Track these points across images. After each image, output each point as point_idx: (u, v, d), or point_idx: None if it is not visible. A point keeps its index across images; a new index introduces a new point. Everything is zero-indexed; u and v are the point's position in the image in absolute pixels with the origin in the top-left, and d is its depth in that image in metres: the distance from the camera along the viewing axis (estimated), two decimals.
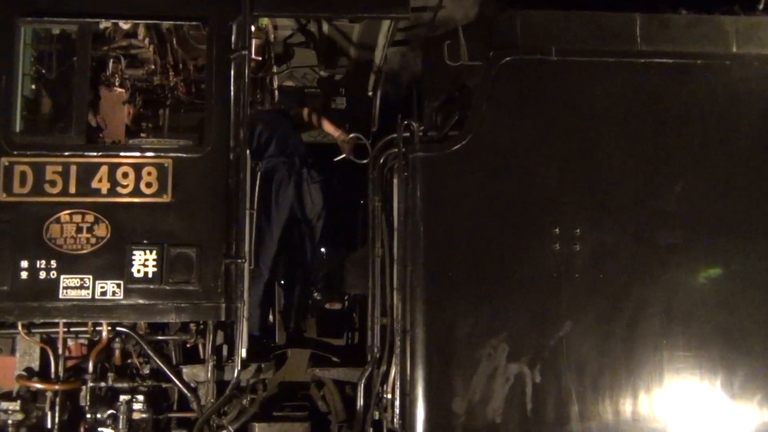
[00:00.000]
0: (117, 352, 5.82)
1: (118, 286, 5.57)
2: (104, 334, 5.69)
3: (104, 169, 5.67)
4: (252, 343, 5.91)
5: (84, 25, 5.80)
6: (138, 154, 5.74)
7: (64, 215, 5.60)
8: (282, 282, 7.30)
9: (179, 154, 5.74)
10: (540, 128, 5.74)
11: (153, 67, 7.09)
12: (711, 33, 5.89)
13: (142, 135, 7.16)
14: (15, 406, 5.60)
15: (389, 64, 7.16)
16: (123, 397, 5.72)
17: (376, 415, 5.96)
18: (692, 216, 5.69)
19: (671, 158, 5.75)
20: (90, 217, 5.61)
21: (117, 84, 6.88)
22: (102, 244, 5.59)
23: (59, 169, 5.64)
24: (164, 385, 5.91)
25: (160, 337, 5.91)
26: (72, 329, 5.72)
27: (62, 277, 5.53)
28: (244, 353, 5.63)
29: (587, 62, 5.80)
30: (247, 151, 5.74)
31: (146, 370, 5.88)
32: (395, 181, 5.86)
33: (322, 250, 7.82)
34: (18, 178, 5.61)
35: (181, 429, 5.96)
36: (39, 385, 5.68)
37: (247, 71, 5.77)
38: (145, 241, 5.61)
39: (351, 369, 6.39)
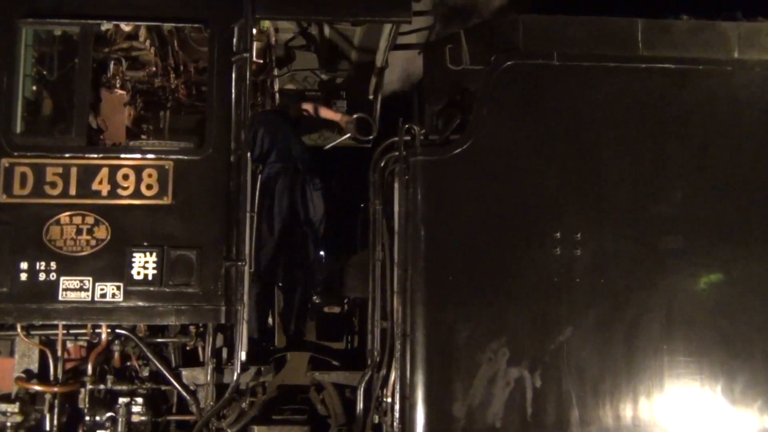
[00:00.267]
0: (116, 355, 5.80)
1: (118, 288, 5.55)
2: (104, 336, 5.67)
3: (105, 171, 5.66)
4: (251, 346, 5.91)
5: (85, 26, 5.79)
6: (139, 156, 5.73)
7: (64, 217, 5.58)
8: (282, 285, 7.29)
9: (180, 157, 5.73)
10: (541, 132, 5.74)
11: (154, 69, 7.11)
12: (712, 38, 5.90)
13: (143, 137, 7.17)
14: (14, 408, 5.60)
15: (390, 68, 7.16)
16: (122, 400, 5.70)
17: (376, 419, 5.95)
18: (693, 221, 5.70)
19: (672, 163, 5.75)
20: (90, 219, 5.60)
21: (118, 86, 6.90)
22: (102, 246, 5.57)
23: (60, 170, 5.63)
24: (163, 388, 5.89)
25: (159, 340, 5.88)
26: (71, 331, 5.71)
27: (62, 278, 5.52)
28: (243, 356, 5.61)
29: (589, 67, 5.81)
30: (248, 154, 5.74)
31: (145, 373, 5.86)
32: (396, 184, 5.85)
33: (322, 253, 7.82)
34: (18, 179, 5.60)
35: None
36: (38, 387, 5.66)
37: (248, 74, 5.77)
38: (145, 243, 5.59)
39: (351, 372, 6.36)
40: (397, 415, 5.65)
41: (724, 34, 5.92)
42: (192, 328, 5.84)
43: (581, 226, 5.63)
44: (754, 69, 5.88)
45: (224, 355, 5.99)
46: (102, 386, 5.73)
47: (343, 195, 7.85)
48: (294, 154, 7.16)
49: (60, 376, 5.68)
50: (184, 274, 5.59)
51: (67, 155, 5.66)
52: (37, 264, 5.52)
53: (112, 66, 6.80)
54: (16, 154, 5.62)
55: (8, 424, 5.60)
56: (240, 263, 5.60)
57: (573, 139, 5.75)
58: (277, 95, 8.26)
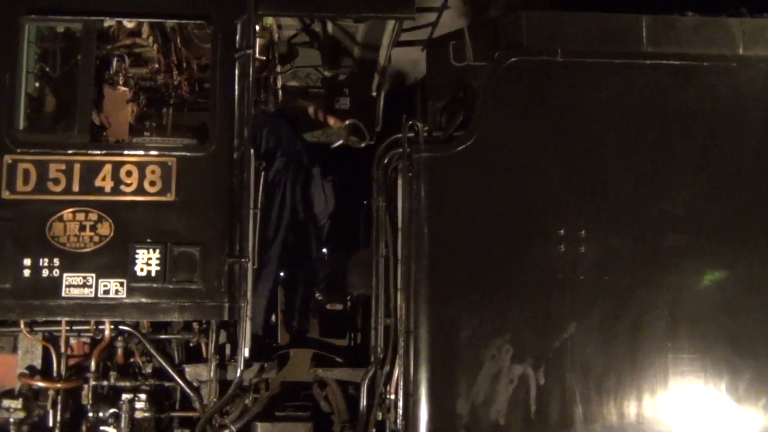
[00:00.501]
0: (119, 351, 5.80)
1: (121, 284, 5.55)
2: (107, 332, 5.67)
3: (108, 168, 5.65)
4: (254, 342, 5.91)
5: (88, 23, 5.77)
6: (142, 152, 5.72)
7: (67, 213, 5.58)
8: (284, 282, 7.29)
9: (183, 153, 5.72)
10: (545, 129, 5.73)
11: (157, 65, 7.10)
12: (717, 35, 5.88)
13: (146, 134, 7.15)
14: (17, 404, 5.60)
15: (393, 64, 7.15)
16: (125, 396, 5.70)
17: (379, 416, 5.94)
18: (698, 219, 5.68)
19: (677, 160, 5.74)
20: (93, 216, 5.59)
21: (121, 82, 6.88)
22: (105, 242, 5.57)
23: (63, 167, 5.62)
24: (167, 384, 5.88)
25: (162, 336, 5.88)
26: (74, 327, 5.70)
27: (65, 275, 5.51)
28: (246, 353, 5.62)
29: (593, 63, 5.79)
30: (251, 151, 5.73)
31: (149, 369, 5.85)
32: (399, 181, 5.84)
33: (324, 250, 7.82)
34: (21, 175, 5.59)
35: (184, 428, 5.96)
36: (41, 384, 5.67)
37: (251, 71, 5.76)
38: (148, 240, 5.58)
39: (354, 369, 6.37)
40: (400, 411, 5.66)
41: (729, 31, 5.90)
42: (195, 325, 5.84)
43: (585, 223, 5.62)
44: (759, 65, 5.86)
45: (227, 351, 5.98)
46: (105, 382, 5.73)
47: (345, 192, 7.83)
48: (299, 149, 7.16)
49: (63, 372, 5.69)
50: (187, 271, 5.58)
51: (70, 152, 5.64)
52: (41, 260, 5.51)
53: (114, 63, 6.78)
54: (19, 150, 5.61)
55: (11, 420, 5.61)
56: (243, 260, 5.59)
57: (577, 136, 5.73)
58: (280, 92, 8.25)
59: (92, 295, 5.52)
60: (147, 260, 5.56)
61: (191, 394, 5.78)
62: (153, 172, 5.66)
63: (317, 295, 7.63)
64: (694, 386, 5.56)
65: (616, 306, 5.56)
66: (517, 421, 5.44)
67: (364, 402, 5.91)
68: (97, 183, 5.63)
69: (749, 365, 5.57)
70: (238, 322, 5.59)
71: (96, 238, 5.57)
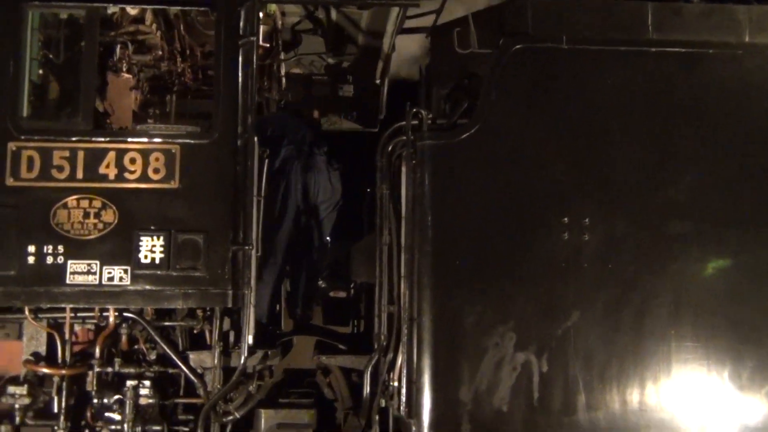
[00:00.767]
0: (124, 338, 5.83)
1: (125, 271, 5.56)
2: (111, 319, 5.70)
3: (112, 155, 5.65)
4: (258, 329, 5.92)
5: (92, 9, 5.76)
6: (146, 139, 5.71)
7: (71, 200, 5.58)
8: (288, 269, 7.29)
9: (187, 140, 5.72)
10: (550, 117, 5.71)
11: (160, 52, 7.07)
12: (723, 22, 5.84)
13: (150, 121, 7.14)
14: (22, 390, 5.65)
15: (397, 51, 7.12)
16: (130, 383, 5.74)
17: (383, 403, 5.97)
18: (702, 206, 5.66)
19: (682, 148, 5.71)
20: (97, 203, 5.59)
21: (124, 69, 6.88)
22: (109, 229, 5.57)
23: (66, 154, 5.62)
24: (171, 371, 5.91)
25: (166, 323, 5.90)
26: (79, 314, 5.73)
27: (69, 262, 5.52)
28: (250, 340, 5.64)
29: (598, 51, 5.76)
30: (255, 138, 5.72)
31: (153, 356, 5.89)
32: (403, 169, 5.83)
33: (328, 238, 7.82)
34: (25, 163, 5.59)
35: (188, 414, 6.00)
36: (46, 370, 5.71)
37: (254, 58, 5.74)
38: (152, 227, 5.59)
39: (357, 356, 6.39)
40: (403, 399, 5.67)
41: (735, 18, 5.86)
42: (199, 312, 5.86)
43: (589, 211, 5.60)
44: (765, 53, 5.82)
45: (231, 338, 6.01)
46: (110, 369, 5.77)
47: (349, 179, 7.82)
48: (307, 138, 7.15)
49: (68, 358, 5.72)
50: (191, 258, 5.59)
51: (73, 139, 5.64)
52: (45, 247, 5.52)
53: (118, 50, 6.78)
54: (23, 137, 5.61)
55: (17, 406, 5.66)
56: (247, 247, 5.60)
57: (582, 124, 5.71)
58: (283, 79, 8.23)
59: (96, 282, 5.53)
60: (151, 247, 5.57)
61: (195, 380, 5.81)
62: (157, 159, 5.66)
63: (321, 282, 7.63)
64: (698, 374, 5.56)
65: (620, 294, 5.55)
66: (520, 408, 5.45)
67: (367, 389, 5.93)
68: (101, 170, 5.63)
69: (753, 353, 5.57)
70: (242, 309, 5.62)
71: (100, 225, 5.57)
